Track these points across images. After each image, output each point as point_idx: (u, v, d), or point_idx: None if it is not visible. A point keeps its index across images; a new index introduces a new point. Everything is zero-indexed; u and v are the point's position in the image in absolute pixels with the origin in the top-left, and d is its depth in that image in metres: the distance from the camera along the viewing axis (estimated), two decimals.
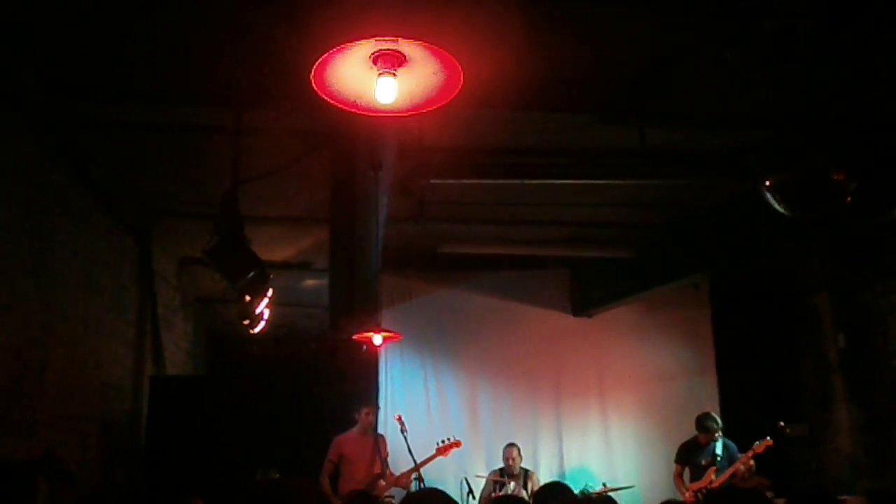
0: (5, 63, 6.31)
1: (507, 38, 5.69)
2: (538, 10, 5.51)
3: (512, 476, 11.36)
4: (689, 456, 11.07)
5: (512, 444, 11.61)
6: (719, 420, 11.02)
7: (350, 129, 6.50)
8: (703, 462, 10.85)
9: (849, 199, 6.18)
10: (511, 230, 11.26)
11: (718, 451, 10.76)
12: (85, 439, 8.74)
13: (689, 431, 11.18)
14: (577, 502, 10.58)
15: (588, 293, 13.19)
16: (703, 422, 10.99)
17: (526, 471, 11.60)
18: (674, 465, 11.25)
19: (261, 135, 7.43)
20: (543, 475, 12.34)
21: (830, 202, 6.23)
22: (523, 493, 10.94)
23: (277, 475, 9.74)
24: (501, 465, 11.60)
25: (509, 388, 12.95)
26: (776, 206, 6.39)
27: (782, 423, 10.50)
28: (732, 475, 10.41)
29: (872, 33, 5.82)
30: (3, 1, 5.50)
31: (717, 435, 10.85)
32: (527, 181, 8.51)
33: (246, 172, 7.27)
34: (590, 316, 13.27)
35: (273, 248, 11.18)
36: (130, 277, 10.44)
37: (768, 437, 10.30)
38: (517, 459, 11.49)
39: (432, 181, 8.24)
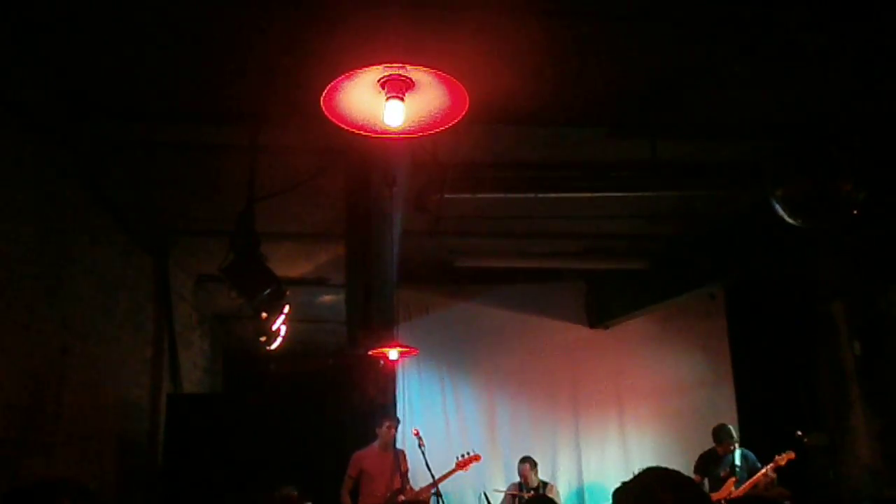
0: (24, 82, 6.36)
1: (520, 55, 5.73)
2: (549, 28, 5.54)
3: (530, 488, 11.37)
4: (708, 467, 11.07)
5: (524, 459, 11.63)
6: (734, 432, 11.07)
7: (364, 145, 6.53)
8: (722, 473, 10.85)
9: (857, 209, 6.19)
10: (526, 243, 11.28)
11: (737, 461, 10.78)
12: (102, 458, 8.76)
13: (708, 442, 11.19)
14: None
15: (604, 305, 13.22)
16: (717, 433, 11.05)
17: (544, 483, 11.61)
18: (693, 476, 11.24)
19: (276, 153, 7.46)
20: (562, 487, 12.38)
21: (839, 212, 6.24)
22: None
23: (295, 493, 9.75)
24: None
25: (527, 400, 12.98)
26: (786, 216, 6.40)
27: (800, 433, 10.49)
28: (754, 486, 10.39)
29: (879, 44, 5.84)
30: (23, 20, 5.55)
31: (731, 447, 10.87)
32: (541, 194, 8.53)
33: (262, 190, 7.31)
34: (606, 328, 13.31)
35: (289, 265, 11.21)
36: (147, 295, 10.48)
37: (791, 450, 10.29)
38: (530, 474, 11.51)
39: (447, 195, 8.26)
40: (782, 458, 10.27)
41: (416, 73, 3.56)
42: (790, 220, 6.38)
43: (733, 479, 10.64)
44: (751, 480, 10.45)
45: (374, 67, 3.53)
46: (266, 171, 7.37)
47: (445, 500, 10.17)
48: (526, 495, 11.21)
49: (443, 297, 13.10)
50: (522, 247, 11.43)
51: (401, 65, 3.51)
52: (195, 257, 11.31)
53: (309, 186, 8.10)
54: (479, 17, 5.22)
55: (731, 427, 11.16)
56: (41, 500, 4.65)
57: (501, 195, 8.59)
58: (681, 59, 6.18)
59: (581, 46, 5.94)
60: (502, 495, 11.57)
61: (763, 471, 10.42)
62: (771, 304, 12.59)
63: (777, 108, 6.91)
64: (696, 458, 11.35)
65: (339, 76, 3.54)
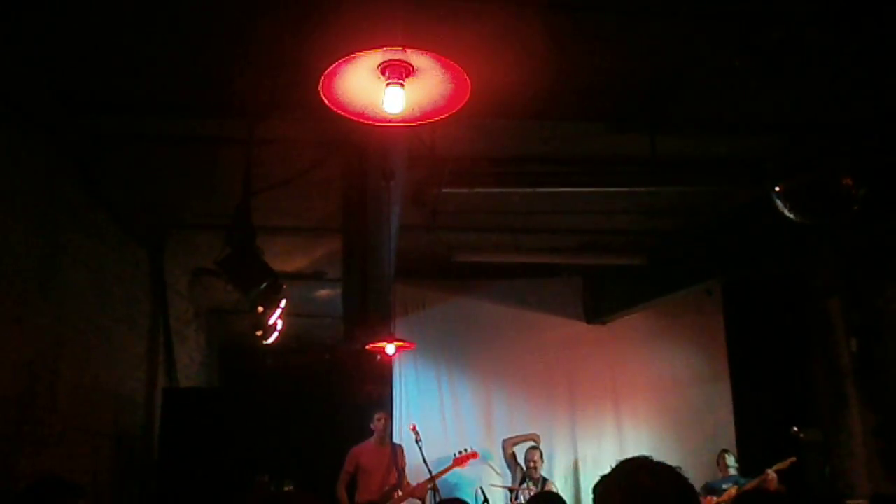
0: (18, 76, 6.32)
1: (519, 48, 5.70)
2: (550, 20, 5.51)
3: (533, 480, 11.37)
4: (713, 487, 11.15)
5: (535, 447, 11.64)
6: (733, 459, 11.16)
7: (362, 138, 6.50)
8: (724, 486, 10.92)
9: (857, 205, 6.17)
10: (524, 238, 11.25)
11: (741, 481, 10.84)
12: (98, 452, 8.72)
13: (704, 438, 11.31)
14: None
15: (601, 300, 13.20)
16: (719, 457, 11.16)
17: (545, 479, 11.60)
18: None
19: (273, 145, 7.44)
20: (559, 482, 12.36)
21: (839, 208, 6.22)
22: None
23: (292, 487, 9.74)
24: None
25: (524, 396, 12.96)
26: (786, 212, 6.38)
27: (796, 429, 10.50)
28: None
29: (880, 40, 5.82)
30: (17, 15, 5.51)
31: (732, 469, 10.98)
32: (539, 189, 8.50)
33: (258, 183, 7.27)
34: (603, 323, 13.28)
35: (286, 259, 11.19)
36: (142, 290, 10.44)
37: (792, 457, 10.31)
38: (539, 462, 11.51)
39: (445, 190, 8.24)
40: (784, 465, 10.31)
41: (417, 58, 3.52)
42: (790, 216, 6.36)
43: (735, 487, 10.68)
44: (754, 482, 10.48)
45: (374, 51, 3.49)
46: (262, 165, 7.35)
47: (442, 495, 10.15)
48: (528, 490, 11.18)
49: (440, 292, 13.07)
50: (520, 242, 11.39)
51: (401, 49, 3.48)
52: (191, 251, 11.26)
53: (305, 180, 8.08)
54: (479, 8, 5.19)
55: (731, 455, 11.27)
56: (56, 499, 4.64)
57: (499, 190, 8.58)
58: (681, 53, 6.16)
59: (581, 40, 5.91)
60: (500, 490, 11.55)
61: (760, 477, 10.44)
62: (768, 301, 12.58)
63: (778, 103, 6.88)
64: (691, 452, 11.50)
65: (338, 61, 3.50)
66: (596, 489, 2.87)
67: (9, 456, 6.58)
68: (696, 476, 11.15)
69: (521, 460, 11.74)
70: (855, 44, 5.85)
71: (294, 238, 10.63)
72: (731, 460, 11.28)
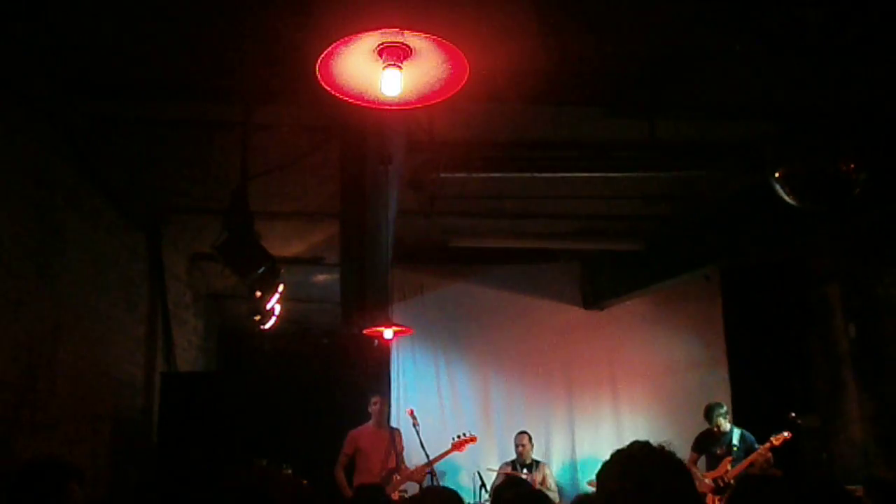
0: (15, 60, 6.30)
1: (518, 31, 5.68)
2: (549, 3, 5.49)
3: (524, 465, 11.39)
4: (706, 445, 11.04)
5: (523, 432, 11.69)
6: (725, 410, 10.98)
7: (359, 123, 6.48)
8: (718, 451, 10.84)
9: (858, 190, 6.16)
10: (522, 224, 11.23)
11: (735, 441, 10.75)
12: (96, 436, 8.73)
13: (701, 423, 11.18)
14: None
15: (599, 286, 13.20)
16: (707, 412, 11.00)
17: (537, 462, 11.63)
18: (689, 453, 11.15)
19: (270, 130, 7.42)
20: (556, 467, 12.38)
21: (840, 193, 6.21)
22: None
23: (290, 470, 9.73)
24: (513, 456, 11.64)
25: (521, 381, 12.97)
26: (785, 197, 6.36)
27: (793, 414, 10.48)
28: (750, 465, 10.38)
29: (882, 24, 5.80)
30: None
31: (723, 426, 10.84)
32: (537, 174, 8.49)
33: (256, 168, 7.27)
34: (601, 308, 13.28)
35: (284, 244, 11.17)
36: (141, 274, 10.43)
37: (786, 431, 10.26)
38: (528, 447, 11.54)
39: (442, 175, 8.22)
40: (778, 439, 10.24)
41: (415, 41, 3.51)
42: (790, 201, 6.34)
43: (729, 458, 10.63)
44: (747, 460, 10.44)
45: (372, 33, 3.48)
46: (260, 149, 7.33)
47: (440, 480, 10.15)
48: (521, 475, 11.19)
49: (437, 278, 13.07)
50: (518, 227, 11.38)
51: (399, 31, 3.46)
52: (189, 236, 11.26)
53: (303, 164, 8.07)
54: None
55: (722, 405, 11.11)
56: (51, 483, 4.62)
57: (497, 175, 8.55)
58: (681, 37, 6.14)
59: (580, 23, 5.89)
60: (496, 474, 11.55)
61: (758, 451, 10.39)
62: (766, 287, 12.57)
63: (778, 87, 6.86)
64: (689, 438, 11.35)
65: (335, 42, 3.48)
66: (603, 467, 3.14)
67: (7, 439, 6.58)
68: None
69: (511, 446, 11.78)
70: (856, 27, 5.83)
71: (292, 223, 10.62)
72: (720, 417, 11.08)
